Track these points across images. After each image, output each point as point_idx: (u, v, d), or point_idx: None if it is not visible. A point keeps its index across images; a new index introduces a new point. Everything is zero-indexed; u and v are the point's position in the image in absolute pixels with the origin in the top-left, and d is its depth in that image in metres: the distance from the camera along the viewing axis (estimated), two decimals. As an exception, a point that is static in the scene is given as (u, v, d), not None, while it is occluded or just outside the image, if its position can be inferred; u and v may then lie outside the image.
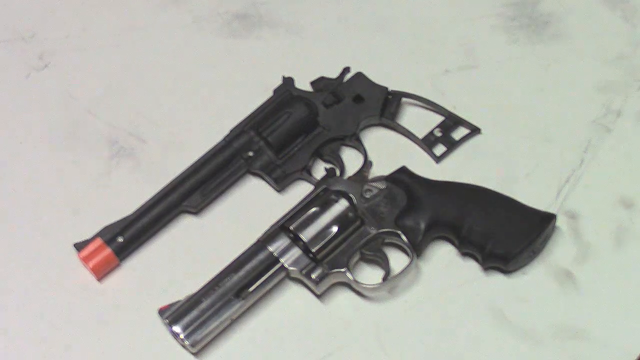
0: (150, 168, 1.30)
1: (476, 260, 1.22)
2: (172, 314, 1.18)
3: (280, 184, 1.27)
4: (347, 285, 1.22)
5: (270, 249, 1.20)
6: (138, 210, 1.25)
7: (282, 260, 1.20)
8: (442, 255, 1.23)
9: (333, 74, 1.32)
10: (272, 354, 1.19)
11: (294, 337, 1.20)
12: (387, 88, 1.31)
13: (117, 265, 1.24)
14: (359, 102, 1.30)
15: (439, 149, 1.29)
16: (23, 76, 1.36)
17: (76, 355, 1.20)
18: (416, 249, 1.21)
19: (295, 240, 1.20)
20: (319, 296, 1.21)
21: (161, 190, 1.26)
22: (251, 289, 1.19)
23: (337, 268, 1.20)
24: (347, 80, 1.32)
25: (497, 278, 1.22)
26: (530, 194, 1.25)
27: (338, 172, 1.27)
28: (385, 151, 1.29)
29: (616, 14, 1.37)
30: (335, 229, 1.20)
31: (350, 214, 1.21)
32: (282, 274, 1.21)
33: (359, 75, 1.32)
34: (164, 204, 1.25)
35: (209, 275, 1.20)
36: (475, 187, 1.23)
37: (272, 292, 1.22)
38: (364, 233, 1.21)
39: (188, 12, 1.40)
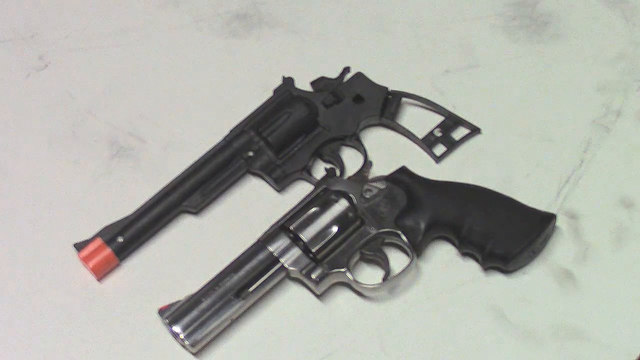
0: (150, 168, 1.30)
1: (476, 260, 1.22)
2: (172, 314, 1.18)
3: (280, 184, 1.27)
4: (347, 285, 1.22)
5: (270, 249, 1.20)
6: (138, 210, 1.25)
7: (282, 260, 1.20)
8: (442, 255, 1.23)
9: (333, 74, 1.32)
10: (272, 354, 1.19)
11: (294, 337, 1.20)
12: (387, 88, 1.31)
13: (117, 265, 1.24)
14: (359, 102, 1.30)
15: (439, 149, 1.29)
16: (23, 76, 1.36)
17: (76, 355, 1.20)
18: (416, 249, 1.21)
19: (295, 240, 1.20)
20: (319, 296, 1.21)
21: (161, 190, 1.26)
22: (251, 289, 1.19)
23: (337, 268, 1.20)
24: (347, 80, 1.32)
25: (497, 278, 1.22)
26: (530, 194, 1.25)
27: (338, 172, 1.27)
28: (385, 151, 1.29)
29: (616, 14, 1.37)
30: (335, 229, 1.20)
31: (350, 214, 1.21)
32: (282, 274, 1.21)
33: (359, 75, 1.32)
34: (164, 204, 1.25)
35: (209, 275, 1.20)
36: (475, 187, 1.23)
37: (272, 292, 1.22)
38: (364, 233, 1.21)
39: (188, 12, 1.40)
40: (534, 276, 1.22)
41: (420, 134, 1.30)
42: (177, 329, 1.17)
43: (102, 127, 1.32)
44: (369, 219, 1.22)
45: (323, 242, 1.20)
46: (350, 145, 1.30)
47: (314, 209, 1.21)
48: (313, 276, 1.19)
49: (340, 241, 1.21)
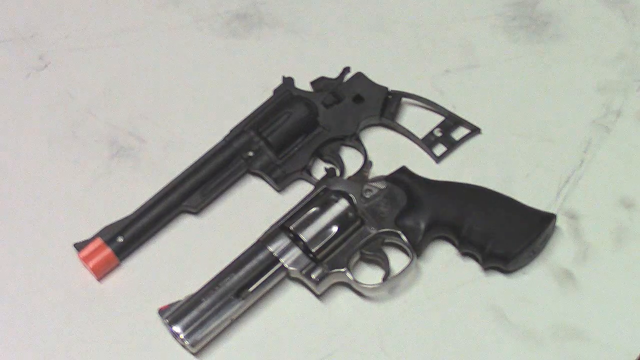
0: (150, 168, 1.30)
1: (476, 260, 1.22)
2: (172, 314, 1.18)
3: (280, 184, 1.27)
4: (347, 285, 1.22)
5: (270, 249, 1.20)
6: (138, 210, 1.25)
7: (282, 260, 1.20)
8: (442, 255, 1.23)
9: (333, 74, 1.32)
10: (272, 354, 1.19)
11: (294, 337, 1.20)
12: (387, 88, 1.31)
13: (117, 265, 1.24)
14: (359, 102, 1.30)
15: (439, 149, 1.29)
16: (23, 76, 1.36)
17: (76, 355, 1.20)
18: (416, 249, 1.21)
19: (295, 240, 1.20)
20: (319, 296, 1.21)
21: (161, 190, 1.26)
22: (251, 289, 1.19)
23: (337, 268, 1.20)
24: (347, 80, 1.32)
25: (497, 278, 1.22)
26: (530, 194, 1.25)
27: (338, 172, 1.27)
28: (385, 151, 1.29)
29: (616, 14, 1.37)
30: (335, 229, 1.20)
31: (350, 214, 1.21)
32: (282, 274, 1.21)
33: (359, 75, 1.32)
34: (164, 204, 1.25)
35: (209, 275, 1.20)
36: (475, 187, 1.23)
37: (272, 292, 1.22)
38: (364, 233, 1.21)
39: (188, 12, 1.40)
40: (534, 276, 1.22)
41: (420, 134, 1.30)
42: (177, 329, 1.17)
43: (102, 127, 1.32)
44: (369, 219, 1.22)
45: (323, 242, 1.20)
46: (350, 145, 1.30)
47: (314, 209, 1.21)
48: (313, 276, 1.19)
49: (340, 241, 1.21)
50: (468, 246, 1.21)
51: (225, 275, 1.19)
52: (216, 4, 1.40)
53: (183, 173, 1.27)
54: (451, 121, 1.30)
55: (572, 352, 1.18)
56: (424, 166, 1.27)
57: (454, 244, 1.23)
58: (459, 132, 1.30)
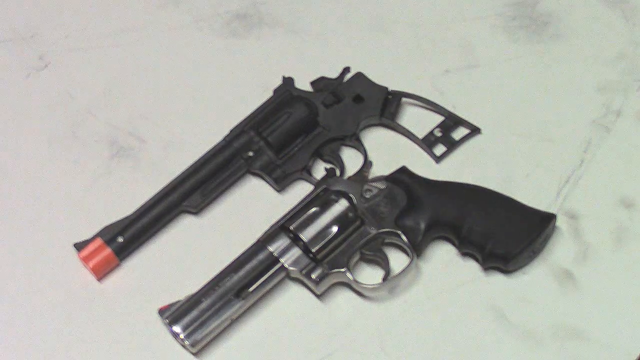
0: (150, 168, 1.30)
1: (476, 260, 1.22)
2: (172, 314, 1.18)
3: (280, 184, 1.27)
4: (347, 285, 1.22)
5: (270, 249, 1.20)
6: (138, 210, 1.25)
7: (282, 260, 1.20)
8: (442, 255, 1.23)
9: (333, 74, 1.32)
10: (272, 354, 1.19)
11: (294, 337, 1.20)
12: (387, 88, 1.31)
13: (117, 265, 1.24)
14: (359, 102, 1.30)
15: (439, 149, 1.29)
16: (23, 76, 1.36)
17: (76, 355, 1.20)
18: (416, 249, 1.21)
19: (295, 240, 1.20)
20: (319, 296, 1.21)
21: (161, 190, 1.26)
22: (251, 289, 1.19)
23: (337, 268, 1.20)
24: (347, 80, 1.32)
25: (497, 278, 1.22)
26: (530, 194, 1.25)
27: (338, 172, 1.27)
28: (385, 151, 1.29)
29: (616, 14, 1.37)
30: (335, 229, 1.20)
31: (350, 214, 1.21)
32: (282, 274, 1.21)
33: (359, 75, 1.32)
34: (164, 204, 1.25)
35: (209, 275, 1.20)
36: (475, 187, 1.23)
37: (272, 292, 1.22)
38: (364, 233, 1.21)
39: (188, 12, 1.40)
40: (534, 276, 1.22)
41: (420, 134, 1.30)
42: (177, 329, 1.17)
43: (102, 127, 1.32)
44: (369, 219, 1.22)
45: (323, 242, 1.20)
46: (350, 145, 1.30)
47: (314, 209, 1.21)
48: (313, 276, 1.19)
49: (340, 241, 1.21)
50: (468, 246, 1.21)
51: (225, 275, 1.19)
52: (216, 4, 1.40)
53: (183, 173, 1.27)
54: (451, 121, 1.30)
55: (572, 352, 1.18)
56: (424, 166, 1.27)
57: (454, 244, 1.23)
58: (459, 132, 1.30)
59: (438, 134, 1.30)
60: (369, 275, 1.22)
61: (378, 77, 1.32)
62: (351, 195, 1.22)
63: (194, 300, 1.18)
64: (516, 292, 1.21)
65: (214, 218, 1.27)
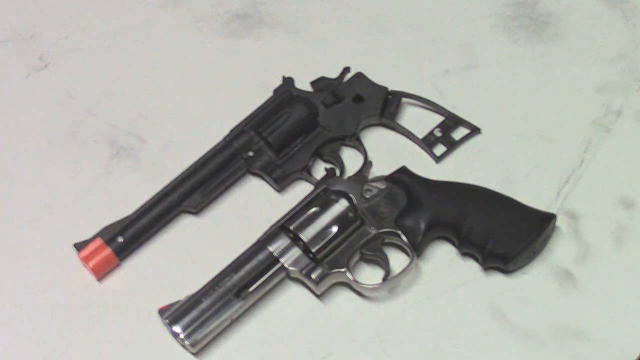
0: (150, 168, 1.30)
1: (476, 260, 1.22)
2: (172, 314, 1.18)
3: (280, 184, 1.27)
4: (347, 285, 1.22)
5: (270, 249, 1.20)
6: (138, 210, 1.25)
7: (282, 260, 1.20)
8: (442, 255, 1.23)
9: (333, 74, 1.32)
10: (272, 354, 1.19)
11: (294, 337, 1.20)
12: (387, 88, 1.31)
13: (117, 265, 1.24)
14: (359, 102, 1.30)
15: (439, 149, 1.29)
16: (23, 76, 1.36)
17: (76, 355, 1.20)
18: (416, 249, 1.21)
19: (295, 240, 1.20)
20: (319, 296, 1.21)
21: (161, 190, 1.26)
22: (251, 289, 1.19)
23: (337, 268, 1.20)
24: (347, 80, 1.32)
25: (497, 278, 1.22)
26: (530, 194, 1.25)
27: (338, 172, 1.27)
28: (385, 151, 1.29)
29: (616, 14, 1.37)
30: (335, 229, 1.20)
31: (350, 214, 1.21)
32: (282, 274, 1.21)
33: (359, 75, 1.32)
34: (164, 204, 1.25)
35: (209, 275, 1.20)
36: (475, 187, 1.24)
37: (272, 292, 1.22)
38: (364, 233, 1.21)
39: (188, 12, 1.40)
40: (534, 276, 1.22)
41: (420, 134, 1.30)
42: (177, 329, 1.17)
43: (102, 127, 1.32)
44: (369, 219, 1.22)
45: (323, 242, 1.20)
46: (350, 145, 1.30)
47: (314, 209, 1.21)
48: (313, 276, 1.19)
49: (340, 241, 1.21)
50: (468, 246, 1.21)
51: (225, 275, 1.19)
52: (216, 4, 1.40)
53: (183, 173, 1.27)
54: (451, 121, 1.30)
55: (572, 352, 1.18)
56: (424, 166, 1.27)
57: (454, 244, 1.23)
58: (459, 132, 1.30)
59: (438, 134, 1.30)
60: (369, 275, 1.22)
61: (378, 77, 1.32)
62: (351, 195, 1.22)
63: (194, 300, 1.18)
64: (516, 292, 1.21)
65: (214, 218, 1.27)
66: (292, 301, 1.22)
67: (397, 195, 1.23)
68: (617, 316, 1.19)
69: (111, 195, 1.28)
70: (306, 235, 1.20)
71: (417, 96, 1.31)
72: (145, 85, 1.35)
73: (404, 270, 1.20)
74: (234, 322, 1.20)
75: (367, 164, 1.27)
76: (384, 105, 1.30)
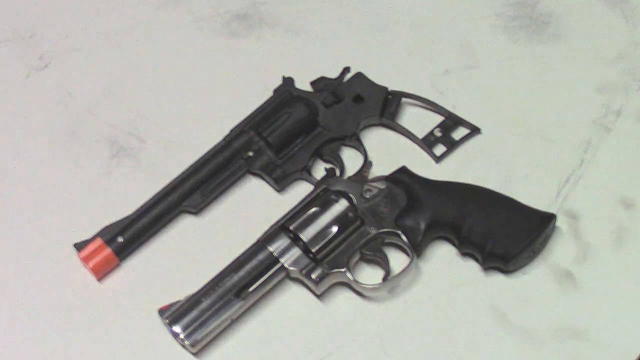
0: (150, 168, 1.30)
1: (476, 260, 1.22)
2: (172, 314, 1.18)
3: (280, 184, 1.27)
4: (347, 285, 1.22)
5: (270, 249, 1.20)
6: (138, 210, 1.25)
7: (282, 260, 1.20)
8: (442, 255, 1.23)
9: (333, 74, 1.32)
10: (272, 354, 1.19)
11: (294, 337, 1.20)
12: (387, 88, 1.31)
13: (117, 265, 1.24)
14: (359, 102, 1.30)
15: (439, 149, 1.29)
16: (23, 76, 1.36)
17: (76, 355, 1.20)
18: (416, 249, 1.21)
19: (295, 240, 1.20)
20: (319, 296, 1.21)
21: (161, 190, 1.26)
22: (251, 289, 1.19)
23: (337, 268, 1.20)
24: (347, 80, 1.32)
25: (497, 278, 1.22)
26: (530, 194, 1.25)
27: (338, 172, 1.27)
28: (385, 151, 1.29)
29: (616, 14, 1.37)
30: (335, 229, 1.20)
31: (350, 214, 1.21)
32: (282, 274, 1.21)
33: (359, 75, 1.32)
34: (164, 204, 1.25)
35: (209, 275, 1.20)
36: (475, 187, 1.23)
37: (272, 292, 1.22)
38: (364, 233, 1.21)
39: (188, 12, 1.40)
40: (534, 276, 1.22)
41: (420, 134, 1.30)
42: (177, 329, 1.17)
43: (102, 127, 1.32)
44: (369, 219, 1.22)
45: (323, 242, 1.20)
46: (350, 145, 1.30)
47: (314, 209, 1.21)
48: (313, 276, 1.19)
49: (340, 241, 1.21)
50: (468, 246, 1.21)
51: (225, 275, 1.19)
52: (216, 4, 1.40)
53: (183, 173, 1.27)
54: (451, 121, 1.30)
55: (572, 352, 1.18)
56: (424, 166, 1.27)
57: (454, 244, 1.23)
58: (459, 132, 1.30)
59: (438, 134, 1.30)
60: (369, 275, 1.22)
61: (378, 77, 1.32)
62: (351, 195, 1.22)
63: (194, 300, 1.18)
64: (516, 292, 1.21)
65: (214, 218, 1.27)
66: (292, 301, 1.22)
67: (397, 195, 1.23)
68: (617, 316, 1.19)
69: (111, 195, 1.28)
70: (306, 235, 1.20)
71: (417, 96, 1.31)
72: (145, 85, 1.35)
73: (404, 270, 1.20)
74: (234, 322, 1.20)
75: (367, 164, 1.27)
76: (384, 105, 1.30)
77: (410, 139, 1.30)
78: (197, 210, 1.26)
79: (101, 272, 1.23)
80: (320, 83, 1.32)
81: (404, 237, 1.21)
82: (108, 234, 1.23)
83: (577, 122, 1.30)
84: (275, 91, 1.31)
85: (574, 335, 1.19)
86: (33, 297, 1.22)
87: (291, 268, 1.20)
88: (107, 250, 1.22)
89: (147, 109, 1.33)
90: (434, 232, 1.22)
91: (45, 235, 1.26)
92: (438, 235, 1.23)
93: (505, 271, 1.22)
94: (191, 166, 1.27)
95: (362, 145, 1.29)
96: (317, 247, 1.19)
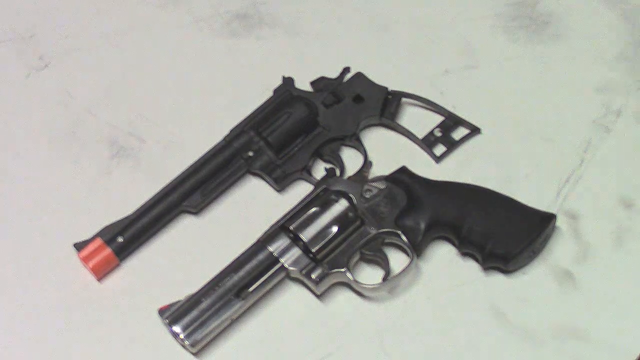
0: (150, 168, 1.30)
1: (476, 260, 1.22)
2: (172, 314, 1.18)
3: (280, 184, 1.27)
4: (347, 285, 1.22)
5: (270, 249, 1.20)
6: (138, 210, 1.25)
7: (282, 260, 1.20)
8: (442, 255, 1.23)
9: (333, 74, 1.32)
10: (272, 354, 1.19)
11: (294, 337, 1.20)
12: (387, 88, 1.31)
13: (117, 265, 1.24)
14: (359, 102, 1.30)
15: (439, 149, 1.29)
16: (23, 76, 1.36)
17: (76, 355, 1.20)
18: (416, 249, 1.21)
19: (295, 240, 1.20)
20: (319, 296, 1.21)
21: (161, 190, 1.26)
22: (251, 289, 1.19)
23: (337, 268, 1.20)
24: (347, 80, 1.32)
25: (497, 278, 1.22)
26: (530, 194, 1.25)
27: (338, 172, 1.27)
28: (385, 151, 1.29)
29: (616, 14, 1.37)
30: (335, 229, 1.20)
31: (350, 214, 1.21)
32: (282, 274, 1.21)
33: (359, 75, 1.32)
34: (164, 204, 1.25)
35: (209, 275, 1.20)
36: (475, 187, 1.24)
37: (272, 292, 1.22)
38: (364, 233, 1.21)
39: (188, 12, 1.40)
40: (534, 276, 1.22)
41: (420, 134, 1.30)
42: (177, 329, 1.17)
43: (102, 127, 1.32)
44: (369, 219, 1.22)
45: (323, 242, 1.20)
46: (350, 145, 1.30)
47: (314, 209, 1.21)
48: (313, 276, 1.19)
49: (340, 241, 1.21)
50: (468, 246, 1.21)
51: (225, 275, 1.19)
52: (216, 4, 1.40)
53: (183, 173, 1.27)
54: (451, 121, 1.30)
55: (572, 352, 1.18)
56: (424, 166, 1.27)
57: (454, 244, 1.23)
58: (459, 132, 1.30)
59: (438, 134, 1.30)
60: (369, 275, 1.22)
61: (378, 77, 1.32)
62: (351, 195, 1.22)
63: (194, 300, 1.18)
64: (516, 292, 1.21)
65: (214, 218, 1.27)
66: (292, 301, 1.22)
67: (397, 195, 1.23)
68: (617, 316, 1.19)
69: (111, 195, 1.28)
70: (306, 235, 1.20)
71: (417, 96, 1.31)
72: (145, 85, 1.35)
73: (404, 270, 1.20)
74: (234, 322, 1.20)
75: (367, 164, 1.27)
76: (384, 105, 1.30)
77: (410, 139, 1.30)
78: (197, 210, 1.26)
79: (101, 272, 1.23)
80: (320, 83, 1.32)
81: (404, 237, 1.21)
82: (108, 234, 1.23)
83: (577, 122, 1.30)
84: (275, 91, 1.31)
85: (574, 335, 1.19)
86: (33, 297, 1.22)
87: (291, 268, 1.20)
88: (107, 250, 1.22)
89: (147, 109, 1.33)
90: (434, 232, 1.22)
91: (45, 235, 1.26)
92: (438, 235, 1.23)
93: (505, 271, 1.22)
94: (191, 166, 1.27)
95: (362, 145, 1.29)
96: (317, 247, 1.19)
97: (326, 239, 1.20)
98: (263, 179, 1.28)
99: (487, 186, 1.23)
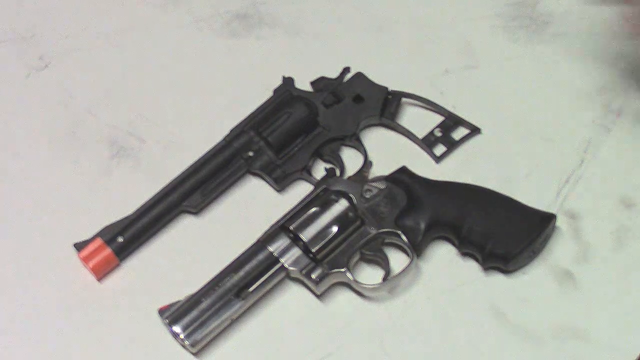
0: (150, 168, 1.30)
1: (476, 260, 1.22)
2: (172, 314, 1.18)
3: (280, 184, 1.27)
4: (347, 285, 1.22)
5: (270, 249, 1.20)
6: (138, 210, 1.25)
7: (282, 260, 1.20)
8: (442, 255, 1.23)
9: (333, 74, 1.32)
10: (272, 354, 1.19)
11: (294, 337, 1.20)
12: (387, 88, 1.31)
13: (117, 265, 1.24)
14: (359, 102, 1.30)
15: (439, 149, 1.29)
16: (23, 76, 1.36)
17: (76, 355, 1.20)
18: (416, 249, 1.21)
19: (295, 240, 1.20)
20: (319, 296, 1.21)
21: (161, 190, 1.26)
22: (251, 289, 1.19)
23: (337, 268, 1.20)
24: (347, 80, 1.32)
25: (497, 278, 1.22)
26: (530, 194, 1.25)
27: (338, 172, 1.27)
28: (385, 151, 1.29)
29: (616, 14, 1.37)
30: (335, 229, 1.20)
31: (350, 214, 1.21)
32: (282, 274, 1.21)
33: (359, 75, 1.32)
34: (164, 204, 1.25)
35: (209, 275, 1.20)
36: (475, 187, 1.24)
37: (272, 292, 1.22)
38: (364, 233, 1.21)
39: (188, 12, 1.40)
40: (534, 276, 1.22)
41: (420, 134, 1.30)
42: (177, 329, 1.17)
43: (102, 127, 1.32)
44: (369, 219, 1.22)
45: (323, 242, 1.20)
46: (350, 145, 1.30)
47: (314, 209, 1.21)
48: (313, 276, 1.19)
49: (340, 241, 1.21)
50: (468, 246, 1.21)
51: (225, 275, 1.19)
52: (216, 4, 1.40)
53: (183, 173, 1.27)
54: (451, 121, 1.30)
55: (572, 352, 1.18)
56: (424, 166, 1.27)
57: (454, 244, 1.23)
58: (459, 132, 1.30)
59: (438, 134, 1.30)
60: (369, 275, 1.22)
61: (378, 77, 1.32)
62: (351, 195, 1.22)
63: (194, 300, 1.18)
64: (516, 292, 1.21)
65: (214, 218, 1.27)
66: (292, 301, 1.22)
67: (397, 195, 1.23)
68: (617, 316, 1.19)
69: (111, 195, 1.28)
70: (306, 235, 1.20)
71: (417, 96, 1.31)
72: (145, 85, 1.35)
73: (404, 270, 1.20)
74: (234, 322, 1.20)
75: (367, 164, 1.27)
76: (384, 105, 1.30)
77: (410, 139, 1.30)
78: (197, 210, 1.26)
79: (101, 272, 1.23)
80: (320, 83, 1.32)
81: (404, 237, 1.21)
82: (108, 234, 1.23)
83: (577, 122, 1.30)
84: (275, 91, 1.31)
85: (574, 335, 1.19)
86: (33, 297, 1.22)
87: (291, 268, 1.20)
88: (107, 250, 1.22)
89: (147, 109, 1.33)
90: (434, 232, 1.22)
91: (45, 235, 1.26)
92: (438, 235, 1.23)
93: (505, 271, 1.22)
94: (191, 166, 1.27)
95: (362, 145, 1.29)
96: (317, 247, 1.19)
97: (326, 239, 1.20)
98: (263, 179, 1.28)
99: (487, 186, 1.23)
